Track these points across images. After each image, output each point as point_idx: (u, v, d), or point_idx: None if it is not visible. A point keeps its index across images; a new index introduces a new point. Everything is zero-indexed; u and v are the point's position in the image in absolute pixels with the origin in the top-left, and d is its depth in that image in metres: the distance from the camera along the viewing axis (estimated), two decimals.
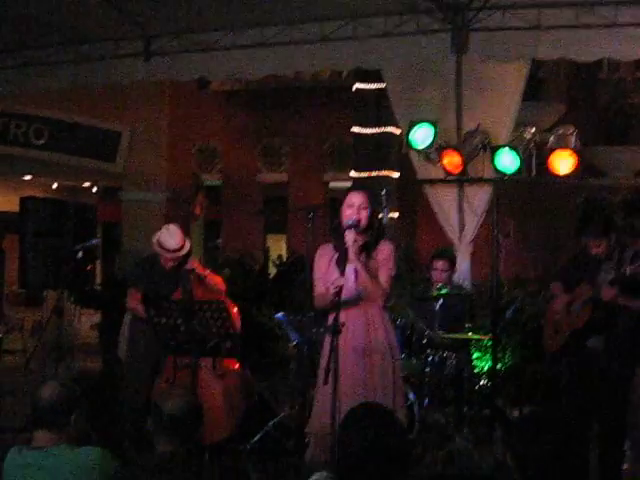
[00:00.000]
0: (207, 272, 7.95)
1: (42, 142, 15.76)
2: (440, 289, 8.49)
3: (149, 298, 7.81)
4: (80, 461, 4.22)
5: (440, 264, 8.62)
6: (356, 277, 6.04)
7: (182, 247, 8.04)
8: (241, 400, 7.88)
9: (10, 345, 12.62)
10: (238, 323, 7.72)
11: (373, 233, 6.14)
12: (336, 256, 6.12)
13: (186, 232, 7.88)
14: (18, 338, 13.50)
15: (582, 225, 6.92)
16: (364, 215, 6.05)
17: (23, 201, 11.38)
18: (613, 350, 6.83)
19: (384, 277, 6.12)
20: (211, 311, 6.58)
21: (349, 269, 5.99)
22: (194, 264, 7.78)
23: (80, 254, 8.52)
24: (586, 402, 6.88)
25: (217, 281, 8.07)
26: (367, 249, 6.09)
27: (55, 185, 19.57)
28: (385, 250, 6.17)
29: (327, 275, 6.15)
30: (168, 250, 8.02)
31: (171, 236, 8.02)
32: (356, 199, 6.09)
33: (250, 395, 8.19)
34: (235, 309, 7.75)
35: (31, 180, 19.27)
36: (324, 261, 6.25)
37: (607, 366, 6.81)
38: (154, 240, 8.11)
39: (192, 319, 6.60)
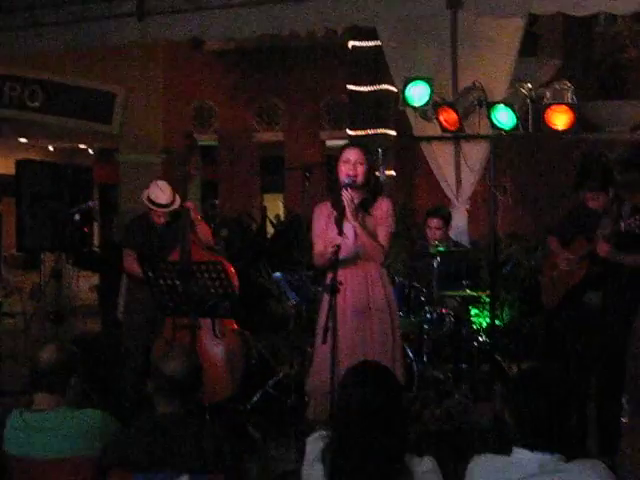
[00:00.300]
0: (199, 218, 7.93)
1: (37, 104, 15.68)
2: (438, 247, 8.51)
3: (145, 258, 7.81)
4: (80, 423, 4.24)
5: (434, 222, 8.65)
6: (355, 235, 6.04)
7: (173, 202, 8.04)
8: (241, 360, 7.90)
9: (9, 308, 12.62)
10: (236, 283, 7.73)
11: (370, 189, 6.13)
12: (334, 214, 6.11)
13: (183, 192, 7.86)
14: (17, 301, 13.49)
15: (580, 179, 6.93)
16: (360, 171, 6.04)
17: (19, 164, 11.37)
18: (610, 305, 6.85)
19: (383, 235, 6.12)
20: (209, 272, 6.58)
21: (347, 227, 5.99)
22: (189, 204, 7.73)
23: (77, 216, 8.54)
24: (584, 357, 6.92)
25: (206, 232, 8.04)
26: (365, 206, 6.09)
27: (51, 148, 19.53)
28: (383, 207, 6.16)
29: (326, 233, 6.15)
30: (159, 205, 8.02)
31: (161, 191, 8.02)
32: (352, 155, 6.07)
33: (249, 355, 8.22)
34: (232, 269, 7.76)
35: (27, 143, 19.23)
36: (322, 219, 6.25)
37: (604, 321, 6.84)
38: (144, 197, 8.10)
39: (190, 280, 6.60)
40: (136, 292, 8.02)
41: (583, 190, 6.92)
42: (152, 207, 8.05)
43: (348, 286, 5.91)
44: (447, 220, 8.78)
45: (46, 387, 4.29)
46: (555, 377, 3.51)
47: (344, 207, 5.92)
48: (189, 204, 7.64)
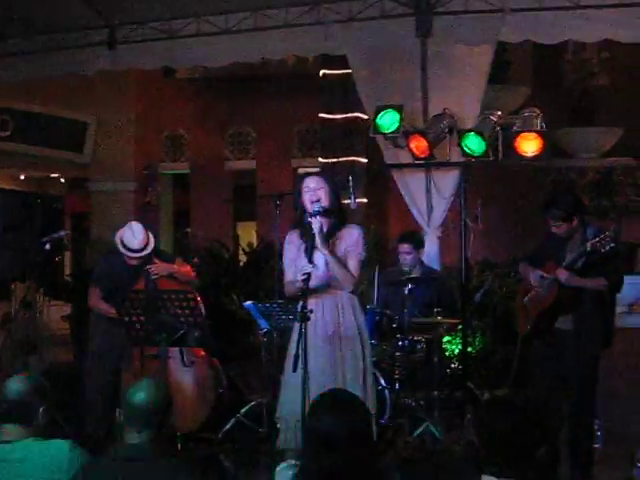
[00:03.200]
0: (175, 268, 7.91)
1: (8, 133, 15.64)
2: (410, 273, 8.52)
3: (111, 296, 7.82)
4: (48, 454, 4.20)
5: (404, 247, 8.67)
6: (325, 264, 6.04)
7: (146, 246, 7.96)
8: (211, 389, 7.88)
9: None
10: (202, 311, 7.71)
11: (337, 215, 6.13)
12: (304, 245, 6.11)
13: (153, 221, 7.85)
14: None
15: (544, 205, 6.98)
16: (322, 194, 6.03)
17: None
18: (580, 330, 6.87)
19: (353, 263, 6.11)
20: (179, 300, 6.56)
21: (317, 256, 5.99)
22: (157, 268, 7.74)
23: (48, 246, 8.47)
24: (555, 383, 6.92)
25: (187, 272, 8.06)
26: (334, 235, 6.09)
27: (22, 176, 19.45)
28: (353, 235, 6.16)
29: (296, 262, 6.14)
30: (132, 250, 7.96)
31: (134, 236, 7.91)
32: (310, 183, 6.09)
33: (219, 384, 8.19)
34: (198, 298, 7.73)
35: None
36: (292, 248, 6.25)
37: (575, 346, 6.86)
38: (117, 239, 8.02)
39: (159, 309, 6.57)
40: (101, 323, 8.00)
41: (546, 216, 6.97)
42: (125, 252, 7.98)
43: (319, 314, 5.89)
44: (418, 244, 8.78)
45: (13, 419, 4.25)
46: (525, 404, 3.50)
47: (314, 235, 5.91)
48: (154, 270, 7.65)
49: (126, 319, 6.75)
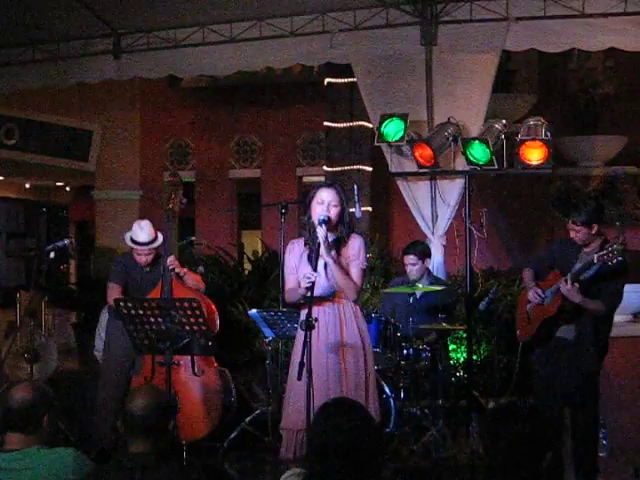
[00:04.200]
0: (185, 270, 7.94)
1: (13, 142, 15.66)
2: (415, 283, 8.50)
3: (127, 296, 7.81)
4: (53, 463, 4.20)
5: (409, 259, 8.62)
6: (328, 273, 6.04)
7: (155, 239, 8.05)
8: (219, 398, 7.88)
9: None
10: (216, 320, 7.72)
11: (344, 229, 6.13)
12: (307, 252, 6.13)
13: (168, 230, 7.88)
14: None
15: (567, 209, 6.94)
16: (334, 212, 6.04)
17: None
18: (583, 340, 6.86)
19: (355, 272, 6.12)
20: (185, 309, 6.55)
21: (321, 265, 5.99)
22: (173, 262, 7.75)
23: (52, 254, 8.48)
24: (558, 392, 6.91)
25: (196, 279, 8.08)
26: (337, 245, 6.09)
27: (27, 185, 19.48)
28: (355, 244, 6.16)
29: (298, 270, 6.15)
30: (141, 244, 8.02)
31: (141, 229, 8.05)
32: (326, 196, 6.07)
33: (228, 393, 8.19)
34: (213, 306, 7.75)
35: (3, 181, 19.14)
36: (294, 256, 6.25)
37: (578, 355, 6.85)
38: (126, 238, 8.12)
39: (167, 317, 6.57)
40: (117, 328, 7.96)
41: (567, 220, 6.95)
42: (133, 246, 8.06)
43: (321, 323, 5.89)
44: (423, 254, 8.73)
45: (18, 427, 4.26)
46: (529, 412, 3.50)
47: (319, 244, 5.91)
48: (171, 261, 7.65)
49: (131, 327, 6.73)
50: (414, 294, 8.42)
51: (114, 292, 8.00)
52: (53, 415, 4.37)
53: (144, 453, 4.01)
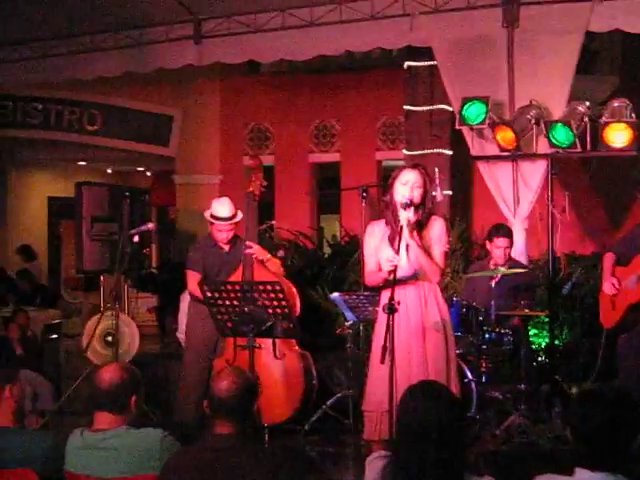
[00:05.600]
0: (267, 256, 7.98)
1: (96, 128, 15.88)
2: (498, 267, 8.43)
3: (206, 279, 7.85)
4: (141, 443, 4.26)
5: (502, 241, 8.51)
6: (410, 254, 6.02)
7: (235, 215, 8.12)
8: (301, 381, 7.91)
9: (69, 329, 12.76)
10: (297, 304, 7.75)
11: (425, 211, 6.11)
12: (388, 233, 6.11)
13: (250, 213, 7.95)
14: (76, 323, 13.64)
15: None
16: (417, 193, 6.02)
17: (78, 187, 11.52)
18: None
19: (437, 254, 6.09)
20: (267, 292, 6.59)
21: (404, 247, 5.97)
22: (255, 248, 7.80)
23: (136, 238, 8.58)
24: None
25: (276, 265, 8.12)
26: (419, 227, 6.07)
27: (109, 170, 19.74)
28: (437, 227, 6.14)
29: (378, 252, 6.14)
30: (221, 218, 8.09)
31: (222, 205, 8.13)
32: (410, 177, 6.06)
33: (310, 376, 8.22)
34: (294, 289, 7.78)
35: (86, 166, 19.44)
36: (374, 238, 6.24)
37: None
38: (206, 214, 8.20)
39: (254, 301, 6.61)
40: (199, 312, 8.04)
41: None
42: (214, 221, 8.14)
43: (403, 305, 5.87)
44: (512, 238, 8.66)
45: (107, 407, 4.32)
46: (618, 396, 3.46)
47: (401, 227, 5.89)
48: (250, 250, 7.71)
49: (214, 310, 6.79)
50: (495, 277, 8.36)
51: (193, 279, 8.07)
52: (140, 396, 4.42)
53: (229, 435, 4.04)
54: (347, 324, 8.48)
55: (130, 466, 4.22)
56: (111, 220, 11.01)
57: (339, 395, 8.35)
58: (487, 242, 8.73)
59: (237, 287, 6.79)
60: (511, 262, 8.65)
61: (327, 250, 12.71)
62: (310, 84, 15.75)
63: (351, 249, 11.42)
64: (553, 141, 8.95)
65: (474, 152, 9.88)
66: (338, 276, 11.09)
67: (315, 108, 15.86)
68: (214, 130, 16.08)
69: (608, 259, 7.25)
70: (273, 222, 14.46)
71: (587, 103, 9.13)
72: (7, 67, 12.07)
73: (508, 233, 8.61)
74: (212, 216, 8.16)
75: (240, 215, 8.12)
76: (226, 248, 8.25)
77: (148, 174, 20.04)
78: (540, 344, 9.62)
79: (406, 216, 5.88)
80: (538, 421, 7.92)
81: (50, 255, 18.90)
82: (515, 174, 9.66)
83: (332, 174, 16.00)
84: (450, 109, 10.75)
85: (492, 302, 8.10)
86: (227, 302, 6.71)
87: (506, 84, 9.57)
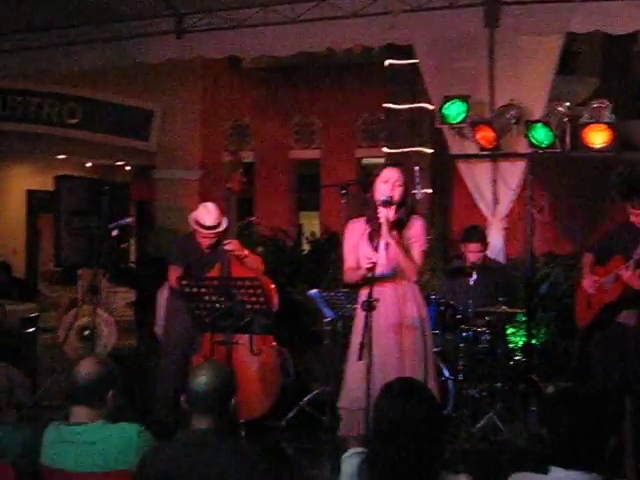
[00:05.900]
0: (246, 252, 7.96)
1: (75, 121, 15.83)
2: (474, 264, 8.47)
3: (186, 275, 7.84)
4: (116, 437, 4.24)
5: (473, 246, 8.54)
6: (389, 253, 6.04)
7: (219, 224, 8.10)
8: (277, 377, 7.91)
9: (46, 323, 12.71)
10: (275, 300, 7.74)
11: (405, 210, 6.13)
12: (368, 231, 6.13)
13: (227, 209, 7.92)
14: (53, 316, 13.58)
15: (626, 191, 6.87)
16: (398, 192, 6.04)
17: (57, 180, 11.47)
18: None
19: (416, 253, 6.12)
20: (245, 288, 6.59)
21: (383, 245, 6.00)
22: (233, 244, 7.78)
23: (115, 232, 8.56)
24: (617, 378, 6.84)
25: (256, 261, 8.11)
26: (399, 225, 6.08)
27: (89, 164, 19.65)
28: (416, 226, 6.17)
29: (358, 250, 6.16)
30: (206, 227, 8.07)
31: (208, 213, 8.10)
32: (391, 175, 6.08)
33: (286, 372, 8.23)
34: (272, 286, 7.78)
35: (65, 159, 19.32)
36: (354, 236, 6.26)
37: (638, 342, 6.78)
38: (191, 218, 8.18)
39: (228, 296, 6.61)
40: (177, 308, 8.03)
41: (627, 203, 6.87)
42: (199, 229, 8.11)
43: (381, 303, 5.88)
44: (485, 240, 8.70)
45: (83, 401, 4.30)
46: (592, 396, 3.48)
47: (380, 224, 5.91)
48: (229, 246, 7.67)
49: (192, 305, 6.78)
50: (473, 276, 8.39)
51: (175, 273, 8.05)
52: (117, 390, 4.40)
53: (206, 430, 4.03)
54: (324, 321, 8.48)
55: (106, 460, 4.20)
56: (90, 214, 10.96)
57: (316, 392, 8.36)
58: (461, 244, 8.77)
59: (215, 282, 6.79)
60: (487, 261, 8.68)
61: (306, 247, 12.71)
62: (291, 81, 15.76)
63: (330, 246, 11.42)
64: (533, 141, 8.99)
65: (453, 151, 9.91)
66: (316, 273, 11.09)
67: (296, 105, 15.88)
68: (195, 125, 16.08)
69: (587, 259, 7.28)
70: (253, 218, 14.45)
71: (567, 103, 9.17)
72: None
73: (480, 237, 8.64)
74: (197, 223, 8.13)
75: (225, 224, 8.07)
76: (207, 251, 8.25)
77: (127, 168, 19.97)
78: (517, 343, 9.66)
79: (385, 213, 5.90)
80: (514, 420, 7.96)
81: (28, 248, 18.81)
82: (494, 173, 9.69)
83: (312, 171, 16.00)
84: (430, 107, 10.78)
85: (470, 301, 8.13)
86: (206, 297, 6.70)
87: (487, 83, 9.60)
